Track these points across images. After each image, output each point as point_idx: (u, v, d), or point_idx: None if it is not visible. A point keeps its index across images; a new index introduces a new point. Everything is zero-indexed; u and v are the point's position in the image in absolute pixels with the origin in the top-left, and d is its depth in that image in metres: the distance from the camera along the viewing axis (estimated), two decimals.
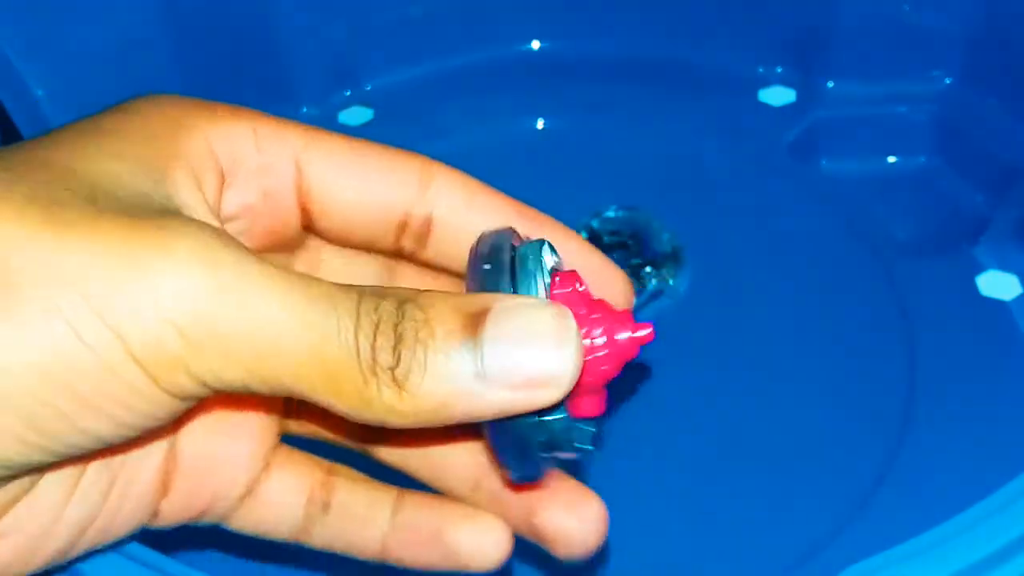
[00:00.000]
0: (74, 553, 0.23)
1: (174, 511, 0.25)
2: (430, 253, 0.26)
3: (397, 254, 0.27)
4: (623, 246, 0.43)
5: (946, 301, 0.41)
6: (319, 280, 0.21)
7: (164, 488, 0.25)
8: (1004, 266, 0.42)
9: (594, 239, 0.43)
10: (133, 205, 0.20)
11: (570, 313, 0.21)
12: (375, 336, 0.20)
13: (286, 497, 0.26)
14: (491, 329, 0.20)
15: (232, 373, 0.20)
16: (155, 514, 0.25)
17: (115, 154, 0.22)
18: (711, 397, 0.39)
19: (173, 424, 0.24)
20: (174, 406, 0.21)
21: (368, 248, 0.27)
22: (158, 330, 0.19)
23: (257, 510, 0.26)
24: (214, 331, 0.20)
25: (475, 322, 0.20)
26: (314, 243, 0.27)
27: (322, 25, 0.49)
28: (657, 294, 0.42)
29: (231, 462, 0.25)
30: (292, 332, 0.20)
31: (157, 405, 0.20)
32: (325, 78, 0.50)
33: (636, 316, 0.24)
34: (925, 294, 0.41)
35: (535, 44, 0.51)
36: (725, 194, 0.46)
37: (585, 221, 0.44)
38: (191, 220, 0.20)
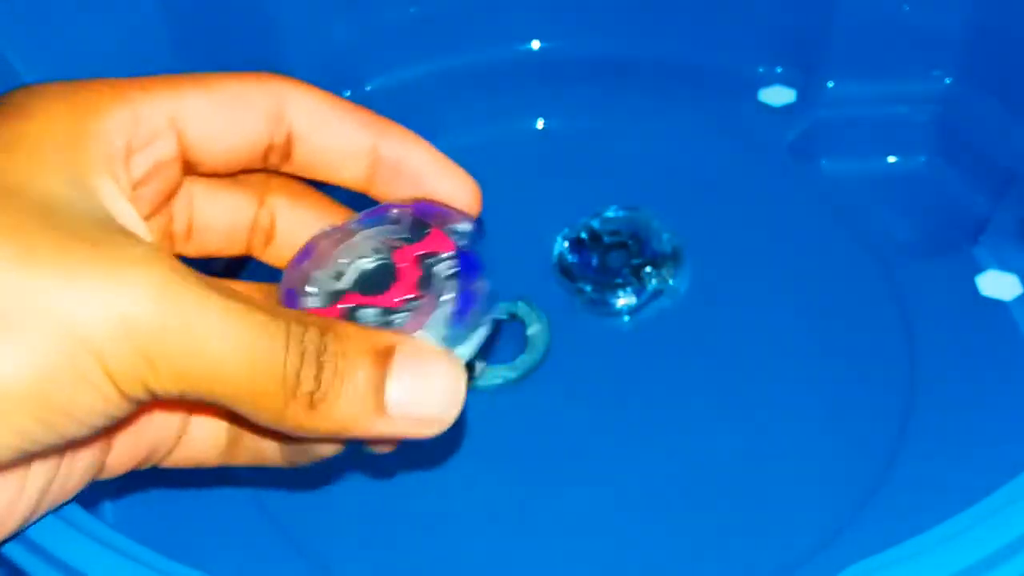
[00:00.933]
0: (35, 518, 0.25)
1: (119, 464, 0.28)
2: (295, 167, 0.29)
3: (266, 169, 0.29)
4: (623, 246, 0.43)
5: (946, 301, 0.41)
6: (254, 307, 0.23)
7: (108, 447, 0.27)
8: (1004, 266, 0.42)
9: (594, 239, 0.43)
10: (80, 222, 0.23)
11: (461, 363, 0.25)
12: (301, 364, 0.23)
13: (210, 431, 0.29)
14: (396, 372, 0.24)
15: (176, 386, 0.23)
16: (101, 469, 0.27)
17: (41, 164, 0.24)
18: (710, 397, 0.39)
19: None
20: (128, 408, 0.23)
21: (239, 171, 0.29)
22: (125, 350, 0.22)
23: (188, 447, 0.29)
24: (165, 352, 0.22)
25: (382, 360, 0.24)
26: (187, 181, 0.29)
27: (322, 25, 0.49)
28: (657, 294, 0.42)
29: (163, 419, 0.28)
30: (229, 357, 0.23)
31: (116, 408, 0.23)
32: (325, 78, 0.49)
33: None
34: (925, 294, 0.41)
35: (535, 44, 0.51)
36: (725, 194, 0.46)
37: (585, 221, 0.44)
38: (140, 245, 0.23)
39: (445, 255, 0.27)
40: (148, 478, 0.39)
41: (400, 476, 0.38)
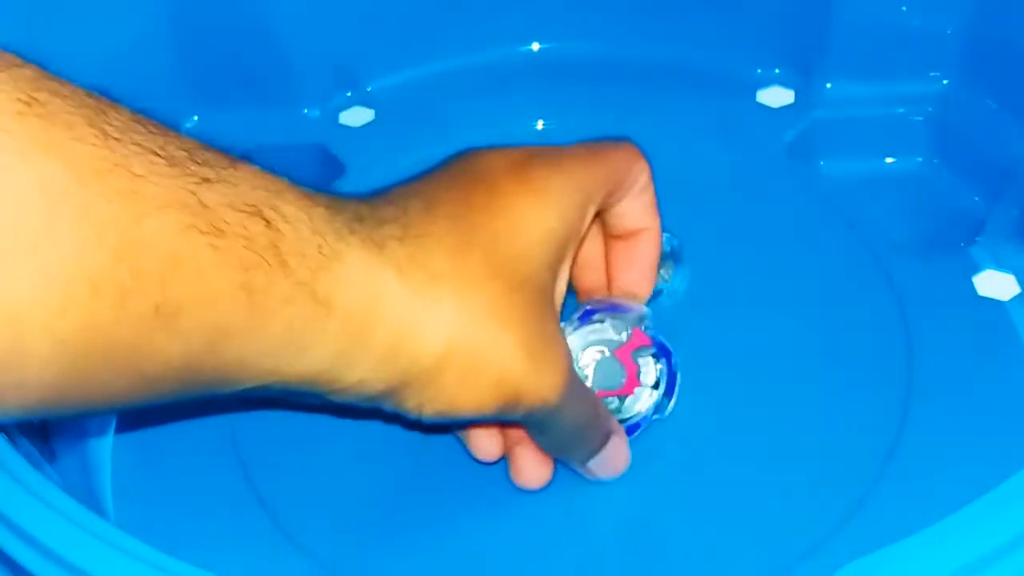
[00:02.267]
0: None
1: None
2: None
3: None
4: None
5: (943, 301, 0.41)
6: (594, 399, 0.36)
7: None
8: (1001, 266, 0.42)
9: None
10: (548, 320, 0.33)
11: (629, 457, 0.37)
12: (580, 431, 0.35)
13: None
14: (601, 455, 0.36)
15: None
16: None
17: (542, 258, 0.33)
18: (709, 396, 0.39)
19: None
20: None
21: None
22: (525, 409, 0.32)
23: None
24: (539, 415, 0.33)
25: (602, 444, 0.36)
26: None
27: (323, 26, 0.49)
28: (656, 293, 0.42)
29: None
30: (573, 423, 0.34)
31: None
32: (326, 79, 0.50)
33: None
34: (922, 294, 0.42)
35: (535, 46, 0.52)
36: (724, 194, 0.46)
37: None
38: (564, 355, 0.33)
39: (647, 349, 0.37)
40: (149, 476, 0.39)
41: (401, 476, 0.38)
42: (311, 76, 0.50)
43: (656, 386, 0.38)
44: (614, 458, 0.36)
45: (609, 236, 0.38)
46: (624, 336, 0.38)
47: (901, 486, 0.36)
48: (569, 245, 0.34)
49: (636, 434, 0.37)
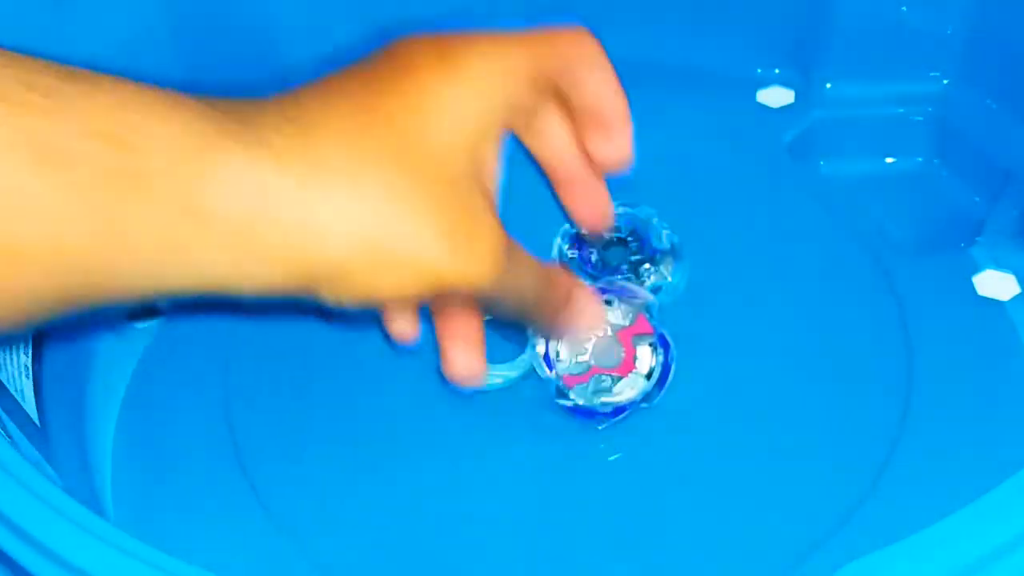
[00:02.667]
0: None
1: None
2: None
3: None
4: (623, 243, 0.43)
5: (943, 301, 0.42)
6: (536, 263, 0.34)
7: None
8: (1001, 266, 0.42)
9: (594, 235, 0.43)
10: (470, 194, 0.31)
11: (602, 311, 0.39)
12: (541, 298, 0.35)
13: None
14: (566, 313, 0.36)
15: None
16: None
17: (466, 134, 0.31)
18: (708, 395, 0.39)
19: None
20: None
21: None
22: (465, 285, 0.30)
23: None
24: (486, 301, 0.33)
25: (566, 304, 0.36)
26: None
27: (322, 26, 0.49)
28: (656, 291, 0.42)
29: None
30: (518, 294, 0.33)
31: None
32: None
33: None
34: (922, 294, 0.42)
35: None
36: (724, 193, 0.46)
37: None
38: (491, 219, 0.31)
39: (648, 337, 0.39)
40: (149, 476, 0.39)
41: (401, 476, 0.38)
42: (310, 76, 0.49)
43: (649, 376, 0.38)
44: (580, 316, 0.36)
45: (579, 118, 0.37)
46: (628, 320, 0.39)
47: (901, 486, 0.36)
48: (493, 124, 0.32)
49: (621, 417, 0.38)
